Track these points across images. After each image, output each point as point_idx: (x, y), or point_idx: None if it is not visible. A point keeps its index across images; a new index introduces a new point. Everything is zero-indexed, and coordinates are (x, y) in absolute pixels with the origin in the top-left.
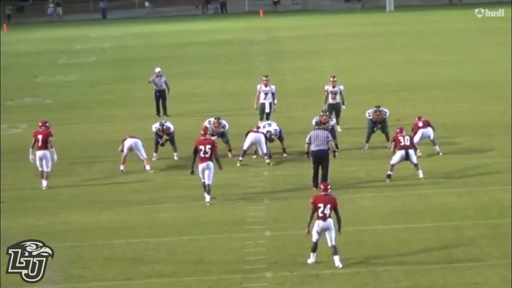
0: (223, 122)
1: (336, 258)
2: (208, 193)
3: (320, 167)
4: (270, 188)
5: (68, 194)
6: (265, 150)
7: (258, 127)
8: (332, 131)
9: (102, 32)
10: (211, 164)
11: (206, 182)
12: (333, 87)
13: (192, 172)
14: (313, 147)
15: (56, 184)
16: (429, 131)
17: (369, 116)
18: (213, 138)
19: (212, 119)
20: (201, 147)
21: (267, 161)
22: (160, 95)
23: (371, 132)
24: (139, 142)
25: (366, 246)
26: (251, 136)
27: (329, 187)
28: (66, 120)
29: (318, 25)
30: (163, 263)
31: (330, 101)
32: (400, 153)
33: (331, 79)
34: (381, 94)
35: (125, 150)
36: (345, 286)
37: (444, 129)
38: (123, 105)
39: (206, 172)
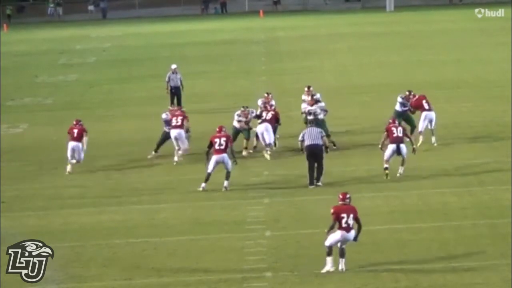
0: (251, 109)
1: (342, 261)
2: (227, 178)
3: (315, 163)
4: (270, 188)
5: (68, 194)
6: (272, 139)
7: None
8: (323, 125)
9: (102, 32)
10: (226, 156)
11: (227, 170)
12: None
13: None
14: (307, 143)
15: (56, 184)
16: (432, 115)
17: (401, 99)
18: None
19: (239, 111)
20: (216, 139)
21: (268, 153)
22: (175, 92)
23: None
24: (183, 133)
25: (366, 246)
26: (262, 127)
27: (347, 196)
28: (66, 120)
29: (318, 25)
30: (163, 263)
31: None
32: (391, 147)
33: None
34: (381, 94)
35: (174, 141)
36: (345, 285)
37: (444, 129)
38: (123, 105)
39: (222, 165)
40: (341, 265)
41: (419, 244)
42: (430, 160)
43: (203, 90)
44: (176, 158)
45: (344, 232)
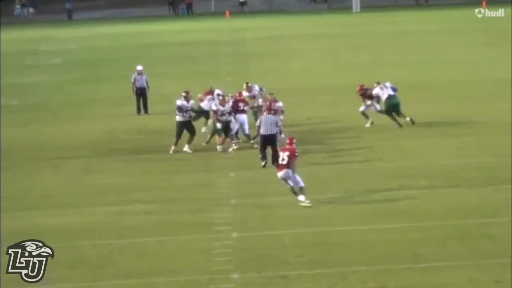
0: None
1: None
2: (303, 194)
3: (270, 149)
4: (237, 189)
5: (34, 196)
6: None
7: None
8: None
9: (68, 33)
10: (290, 172)
11: (299, 186)
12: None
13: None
14: (262, 132)
15: (22, 185)
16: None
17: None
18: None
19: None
20: (281, 153)
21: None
22: (141, 93)
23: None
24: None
25: (333, 247)
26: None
27: None
28: (32, 122)
29: (285, 26)
30: (130, 264)
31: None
32: None
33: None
34: (348, 94)
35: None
36: (312, 287)
37: (414, 128)
38: (90, 106)
39: (289, 181)
40: None
41: (386, 244)
42: (397, 160)
43: (170, 91)
44: None
45: None
